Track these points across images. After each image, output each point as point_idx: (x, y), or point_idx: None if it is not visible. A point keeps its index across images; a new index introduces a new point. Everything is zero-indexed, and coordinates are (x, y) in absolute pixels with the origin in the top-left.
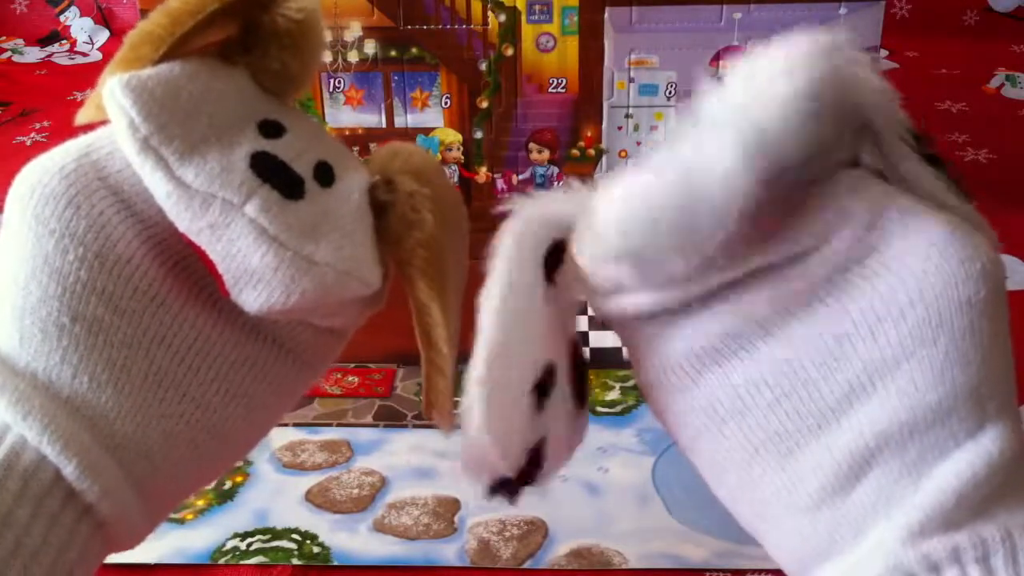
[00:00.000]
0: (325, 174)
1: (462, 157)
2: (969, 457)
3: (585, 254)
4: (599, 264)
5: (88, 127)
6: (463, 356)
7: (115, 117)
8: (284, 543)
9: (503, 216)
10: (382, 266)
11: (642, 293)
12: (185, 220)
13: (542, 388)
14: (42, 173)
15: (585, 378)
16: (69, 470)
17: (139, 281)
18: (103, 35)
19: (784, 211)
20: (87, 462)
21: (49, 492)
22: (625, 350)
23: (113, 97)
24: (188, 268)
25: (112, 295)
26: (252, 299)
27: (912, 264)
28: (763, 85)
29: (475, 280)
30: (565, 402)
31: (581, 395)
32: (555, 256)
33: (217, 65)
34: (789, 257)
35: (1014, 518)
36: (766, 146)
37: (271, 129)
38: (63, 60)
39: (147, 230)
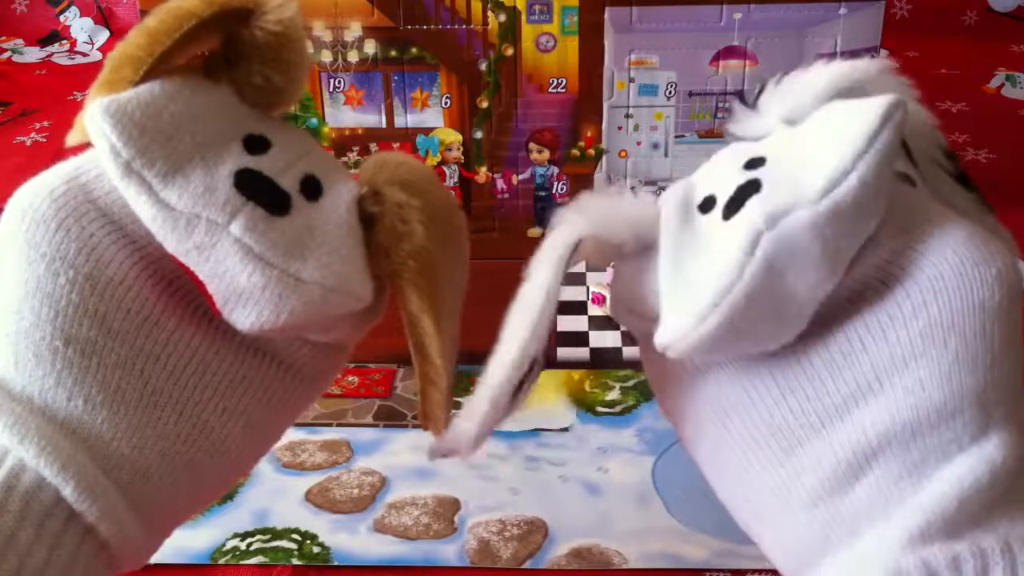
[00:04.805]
0: (312, 188)
1: (462, 157)
2: (972, 462)
3: (673, 349)
4: (683, 354)
5: (80, 147)
6: (473, 357)
7: (97, 142)
8: (284, 543)
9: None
10: (373, 279)
11: None
12: (172, 242)
13: (521, 383)
14: (32, 197)
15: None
16: (68, 491)
17: (131, 302)
18: (103, 35)
19: None
20: (85, 483)
21: (50, 513)
22: (632, 343)
23: (94, 122)
24: (181, 288)
25: (104, 317)
26: (242, 318)
27: (928, 266)
28: (842, 186)
29: (476, 278)
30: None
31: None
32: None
33: (200, 82)
34: None
35: (1015, 529)
36: (850, 248)
37: (256, 144)
38: (63, 60)
39: (138, 251)
